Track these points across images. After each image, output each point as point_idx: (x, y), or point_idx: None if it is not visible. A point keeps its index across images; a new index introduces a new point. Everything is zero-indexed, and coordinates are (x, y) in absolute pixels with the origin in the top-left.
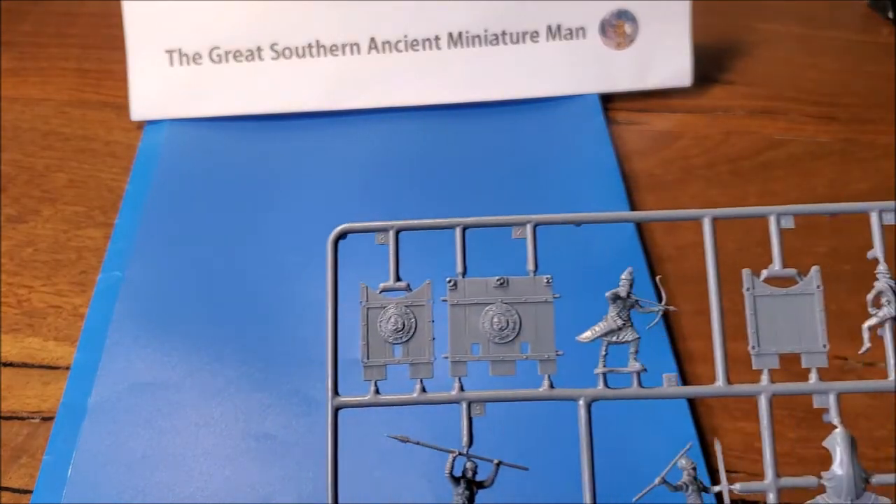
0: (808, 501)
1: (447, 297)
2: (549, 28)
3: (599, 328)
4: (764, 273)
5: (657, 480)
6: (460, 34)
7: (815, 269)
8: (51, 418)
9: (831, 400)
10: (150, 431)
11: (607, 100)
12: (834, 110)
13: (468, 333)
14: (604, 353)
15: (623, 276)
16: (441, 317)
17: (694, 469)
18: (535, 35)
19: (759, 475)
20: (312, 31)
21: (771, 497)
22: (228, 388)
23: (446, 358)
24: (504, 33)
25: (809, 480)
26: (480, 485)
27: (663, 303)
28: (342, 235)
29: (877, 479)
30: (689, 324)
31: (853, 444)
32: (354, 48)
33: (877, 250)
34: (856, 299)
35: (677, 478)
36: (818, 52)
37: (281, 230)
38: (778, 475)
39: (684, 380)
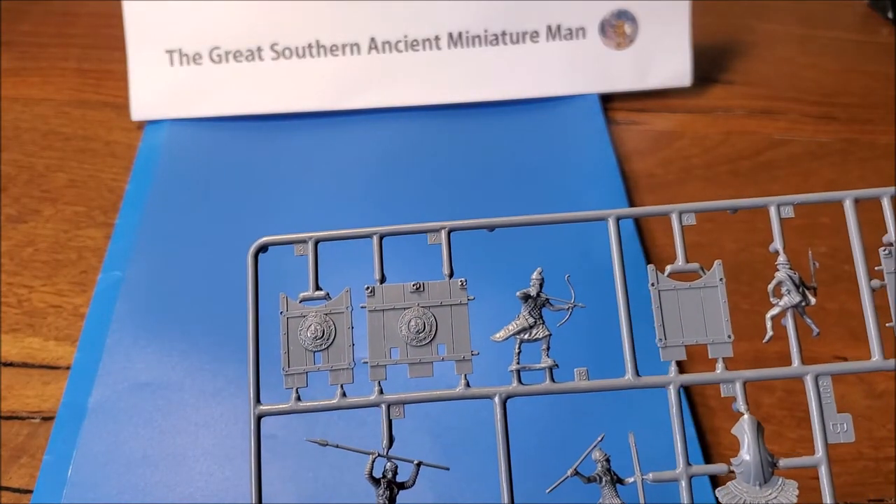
0: (719, 488)
1: (366, 303)
2: (549, 28)
3: (512, 327)
4: (668, 268)
5: (569, 472)
6: (460, 34)
7: (717, 262)
8: (51, 418)
9: (738, 388)
10: (150, 431)
11: (607, 100)
12: (834, 110)
13: (386, 338)
14: (517, 350)
15: (533, 276)
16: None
17: (607, 461)
18: (535, 35)
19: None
20: (312, 31)
21: (683, 485)
22: (228, 387)
23: (366, 363)
24: (504, 33)
25: (720, 468)
26: (402, 485)
27: (573, 300)
28: (262, 249)
29: (784, 462)
30: None
31: (760, 430)
32: (354, 48)
33: (776, 242)
34: (856, 299)
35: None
36: (818, 52)
37: (281, 230)
38: (690, 464)
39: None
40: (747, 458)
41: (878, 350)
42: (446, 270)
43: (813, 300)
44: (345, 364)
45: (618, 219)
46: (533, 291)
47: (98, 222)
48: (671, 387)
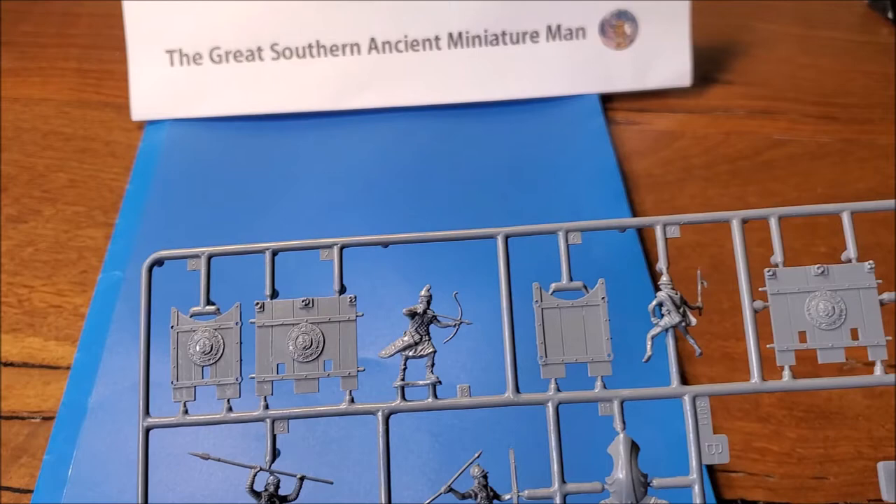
0: None
1: (255, 319)
2: (549, 28)
3: (399, 343)
4: (552, 286)
5: (443, 488)
6: (460, 34)
7: (600, 281)
8: (51, 418)
9: (615, 407)
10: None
11: (607, 100)
12: (833, 110)
13: (274, 353)
14: (403, 366)
15: (421, 293)
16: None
17: (485, 477)
18: (535, 35)
19: (759, 474)
20: (312, 31)
21: (557, 501)
22: None
23: (253, 378)
24: (504, 33)
25: (594, 486)
26: (284, 499)
27: (459, 317)
28: (157, 263)
29: (657, 482)
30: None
31: (634, 449)
32: (354, 48)
33: (661, 262)
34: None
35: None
36: (818, 52)
37: (281, 230)
38: (564, 481)
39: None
40: (621, 476)
41: (756, 372)
42: (336, 286)
43: (694, 321)
44: (231, 379)
45: (506, 237)
46: (420, 309)
47: (98, 222)
48: (549, 404)
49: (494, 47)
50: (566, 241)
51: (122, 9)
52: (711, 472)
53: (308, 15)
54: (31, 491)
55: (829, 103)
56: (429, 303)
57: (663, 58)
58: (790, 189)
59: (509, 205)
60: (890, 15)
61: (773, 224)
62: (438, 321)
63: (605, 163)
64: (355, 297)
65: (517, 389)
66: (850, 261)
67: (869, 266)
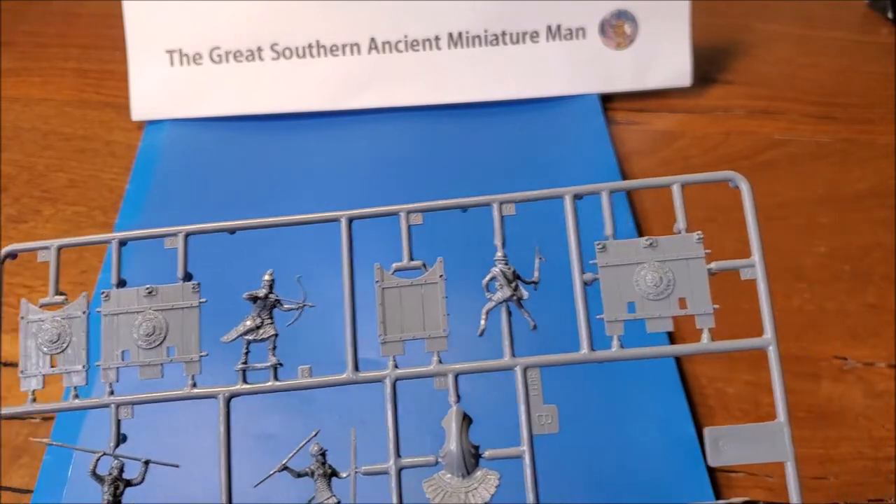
0: (426, 479)
1: (101, 307)
2: (549, 28)
3: (241, 328)
4: (393, 266)
5: (278, 467)
6: (460, 34)
7: (438, 260)
8: (51, 418)
9: (450, 380)
10: (151, 431)
11: (607, 100)
12: (833, 110)
13: (119, 341)
14: (245, 350)
15: (264, 278)
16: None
17: (322, 455)
18: (535, 35)
19: (759, 474)
20: (312, 31)
21: (392, 477)
22: None
23: (98, 365)
24: (504, 33)
25: (428, 459)
26: (129, 483)
27: (303, 300)
28: (11, 255)
29: (490, 452)
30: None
31: (466, 421)
32: (354, 48)
33: (496, 238)
34: (855, 299)
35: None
36: (818, 52)
37: (280, 230)
38: (399, 455)
39: (681, 371)
40: (452, 448)
41: (586, 343)
42: (180, 274)
43: (525, 294)
44: (78, 367)
45: (349, 220)
46: (261, 293)
47: (98, 222)
48: (387, 381)
49: (494, 47)
50: (408, 222)
51: (122, 9)
52: (711, 472)
53: (308, 15)
54: (30, 491)
55: (829, 103)
56: (271, 287)
57: (663, 58)
58: (790, 189)
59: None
60: (890, 15)
61: (605, 199)
62: (281, 304)
63: (605, 163)
64: (199, 284)
65: (356, 368)
66: (679, 232)
67: (697, 237)
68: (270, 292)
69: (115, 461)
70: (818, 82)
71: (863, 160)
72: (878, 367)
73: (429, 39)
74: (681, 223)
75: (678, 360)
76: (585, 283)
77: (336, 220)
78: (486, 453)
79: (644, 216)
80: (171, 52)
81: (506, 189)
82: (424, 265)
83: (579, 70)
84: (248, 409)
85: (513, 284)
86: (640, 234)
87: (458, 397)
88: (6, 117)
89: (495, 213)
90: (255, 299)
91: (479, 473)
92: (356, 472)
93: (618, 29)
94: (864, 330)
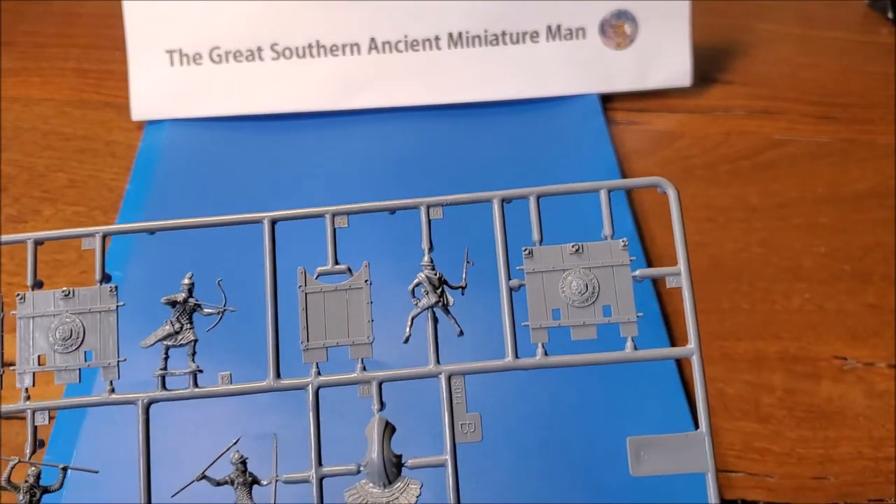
0: (347, 488)
1: (17, 311)
2: (549, 28)
3: (160, 332)
4: (317, 270)
5: (197, 476)
6: (460, 34)
7: (364, 263)
8: (51, 418)
9: (374, 388)
10: (150, 431)
11: (607, 100)
12: (833, 110)
13: (35, 345)
14: (164, 355)
15: (183, 282)
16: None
17: (243, 463)
18: (535, 35)
19: (759, 474)
20: (312, 31)
21: (313, 485)
22: None
23: (13, 369)
24: (504, 33)
25: (350, 468)
26: (47, 489)
27: (223, 304)
28: None
29: (412, 461)
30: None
31: (389, 430)
32: (354, 48)
33: (423, 242)
34: (855, 299)
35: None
36: (818, 52)
37: (280, 230)
38: (321, 464)
39: (681, 372)
40: (374, 457)
41: (510, 350)
42: (98, 276)
43: (451, 300)
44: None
45: (272, 221)
46: (180, 297)
47: (98, 222)
48: (309, 388)
49: (494, 47)
50: (332, 224)
51: (122, 9)
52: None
53: (308, 15)
54: None
55: (829, 103)
56: (190, 291)
57: (663, 58)
58: (790, 189)
59: (509, 205)
60: (890, 15)
61: (532, 204)
62: (201, 309)
63: (605, 163)
64: (116, 288)
65: (278, 375)
66: (606, 238)
67: (623, 243)
68: (190, 296)
69: (32, 468)
70: (818, 82)
71: (863, 160)
72: (878, 367)
73: (429, 39)
74: (607, 229)
75: (678, 361)
76: (512, 289)
77: (259, 221)
78: (409, 462)
79: (644, 216)
80: (171, 52)
81: (505, 189)
82: (350, 269)
83: (579, 70)
84: (249, 409)
85: (438, 290)
86: (640, 234)
87: (382, 405)
88: (6, 117)
89: (422, 217)
90: (173, 303)
91: (400, 483)
92: (277, 481)
93: (618, 29)
94: (864, 330)
